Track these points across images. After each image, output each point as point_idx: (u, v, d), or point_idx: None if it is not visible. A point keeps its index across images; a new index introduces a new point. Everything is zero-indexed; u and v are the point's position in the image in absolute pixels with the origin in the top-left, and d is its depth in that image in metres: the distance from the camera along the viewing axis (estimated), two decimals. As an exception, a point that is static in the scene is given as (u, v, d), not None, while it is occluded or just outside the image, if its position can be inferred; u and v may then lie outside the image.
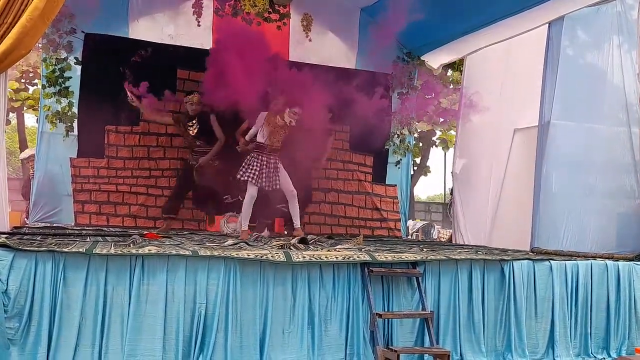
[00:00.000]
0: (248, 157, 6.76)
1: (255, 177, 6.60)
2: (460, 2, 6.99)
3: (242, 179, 6.66)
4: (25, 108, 16.17)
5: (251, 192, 6.64)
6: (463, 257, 4.66)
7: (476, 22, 7.28)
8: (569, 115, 6.12)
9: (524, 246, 5.90)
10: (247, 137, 6.98)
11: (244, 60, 6.81)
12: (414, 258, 4.51)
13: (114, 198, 7.81)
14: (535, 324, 4.77)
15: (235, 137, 7.31)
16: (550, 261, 4.90)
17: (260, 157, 6.70)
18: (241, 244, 5.17)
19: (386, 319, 4.36)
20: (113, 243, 4.48)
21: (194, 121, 7.63)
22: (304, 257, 4.24)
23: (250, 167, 6.63)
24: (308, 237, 5.84)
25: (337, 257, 4.31)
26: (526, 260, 4.82)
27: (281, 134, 6.79)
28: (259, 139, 6.77)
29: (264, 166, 6.68)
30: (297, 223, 6.98)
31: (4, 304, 3.62)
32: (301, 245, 4.99)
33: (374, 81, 8.21)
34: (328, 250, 4.72)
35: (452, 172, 8.63)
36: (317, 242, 5.80)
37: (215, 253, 4.07)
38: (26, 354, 3.64)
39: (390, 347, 4.27)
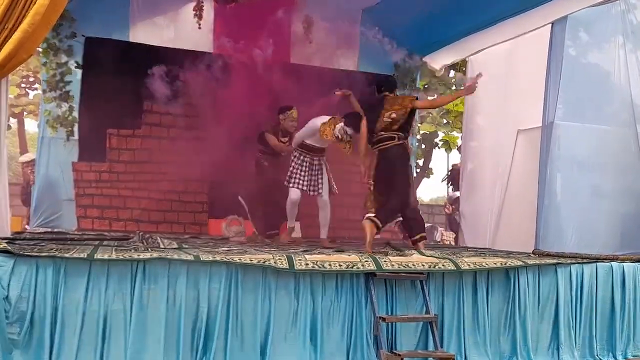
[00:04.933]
0: (293, 160, 6.46)
1: (299, 182, 6.35)
2: (461, 2, 6.96)
3: (289, 186, 6.39)
4: (25, 113, 16.20)
5: (292, 196, 6.38)
6: (471, 265, 4.58)
7: (478, 22, 7.24)
8: (573, 115, 6.07)
9: (528, 248, 5.86)
10: (293, 145, 6.57)
11: (246, 62, 6.78)
12: (422, 267, 4.46)
13: (116, 202, 7.78)
14: (540, 326, 4.74)
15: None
16: (555, 263, 4.86)
17: (304, 157, 6.43)
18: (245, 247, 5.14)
19: (390, 323, 4.33)
20: (114, 248, 4.45)
21: (286, 138, 6.91)
22: (307, 264, 4.19)
23: (294, 172, 6.37)
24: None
25: (340, 265, 4.27)
26: (531, 263, 4.77)
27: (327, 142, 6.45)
28: (307, 141, 6.44)
29: (307, 168, 6.41)
30: (323, 233, 6.58)
31: (5, 310, 3.61)
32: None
33: (376, 83, 8.15)
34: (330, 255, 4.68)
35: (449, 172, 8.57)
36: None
37: (218, 258, 4.04)
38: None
39: (394, 351, 4.24)
